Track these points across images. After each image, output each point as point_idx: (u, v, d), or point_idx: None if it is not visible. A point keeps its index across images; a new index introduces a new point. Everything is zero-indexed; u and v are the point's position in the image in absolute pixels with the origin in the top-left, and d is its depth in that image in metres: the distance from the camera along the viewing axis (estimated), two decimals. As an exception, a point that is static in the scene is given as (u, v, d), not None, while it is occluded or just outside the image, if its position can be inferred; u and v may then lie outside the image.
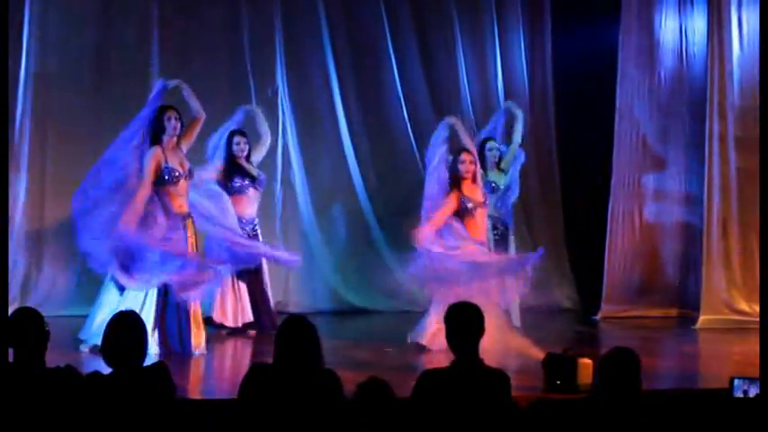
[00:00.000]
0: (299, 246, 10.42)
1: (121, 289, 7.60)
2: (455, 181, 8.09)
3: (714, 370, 7.69)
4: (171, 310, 7.60)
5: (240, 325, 8.76)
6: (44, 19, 9.78)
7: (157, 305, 7.58)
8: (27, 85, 9.71)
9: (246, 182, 8.82)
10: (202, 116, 7.97)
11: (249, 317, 8.80)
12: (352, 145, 10.65)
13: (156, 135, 7.68)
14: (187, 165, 7.77)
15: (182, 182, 7.68)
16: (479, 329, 4.70)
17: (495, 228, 9.05)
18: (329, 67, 10.60)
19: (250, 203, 8.88)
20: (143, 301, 7.55)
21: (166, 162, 7.63)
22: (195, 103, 7.96)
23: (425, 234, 7.92)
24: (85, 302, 9.57)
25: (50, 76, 9.80)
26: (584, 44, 10.66)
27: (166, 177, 7.61)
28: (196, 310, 7.76)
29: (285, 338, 4.51)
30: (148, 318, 7.41)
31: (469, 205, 8.05)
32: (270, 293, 9.06)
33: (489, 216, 8.64)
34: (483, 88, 10.99)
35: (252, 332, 8.86)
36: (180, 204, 7.71)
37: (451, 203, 8.03)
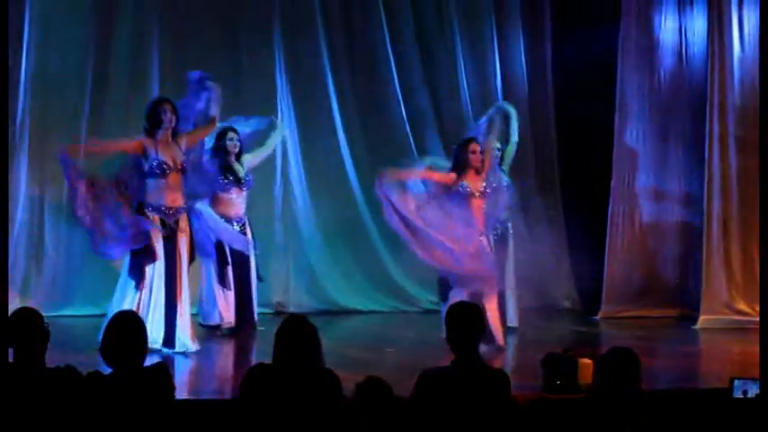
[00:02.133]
0: (298, 246, 10.45)
1: (137, 284, 7.62)
2: (460, 167, 8.12)
3: (714, 370, 7.68)
4: (172, 307, 7.64)
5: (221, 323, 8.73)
6: (44, 20, 9.77)
7: (166, 303, 7.60)
8: (27, 85, 9.71)
9: (230, 180, 8.79)
10: (216, 121, 8.02)
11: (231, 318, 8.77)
12: (350, 148, 10.65)
13: (151, 127, 7.69)
14: (181, 159, 7.74)
15: (172, 175, 7.67)
16: (479, 329, 4.70)
17: (494, 228, 9.05)
18: (328, 70, 10.58)
19: (233, 204, 8.82)
20: (149, 299, 7.57)
21: (157, 154, 7.63)
22: (217, 107, 7.99)
23: (388, 179, 8.02)
24: (85, 302, 9.61)
25: (50, 77, 9.80)
26: (584, 44, 10.65)
27: (157, 171, 7.61)
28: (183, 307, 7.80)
29: (285, 338, 4.51)
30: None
31: (466, 191, 8.08)
32: (254, 294, 8.98)
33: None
34: (483, 89, 10.97)
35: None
36: (173, 198, 7.70)
37: (445, 177, 8.10)
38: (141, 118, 9.58)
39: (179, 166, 7.71)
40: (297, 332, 4.52)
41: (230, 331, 8.72)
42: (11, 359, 4.56)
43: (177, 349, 7.68)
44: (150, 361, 4.64)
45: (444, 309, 8.05)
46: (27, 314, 4.58)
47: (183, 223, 7.78)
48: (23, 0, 9.63)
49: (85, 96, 9.87)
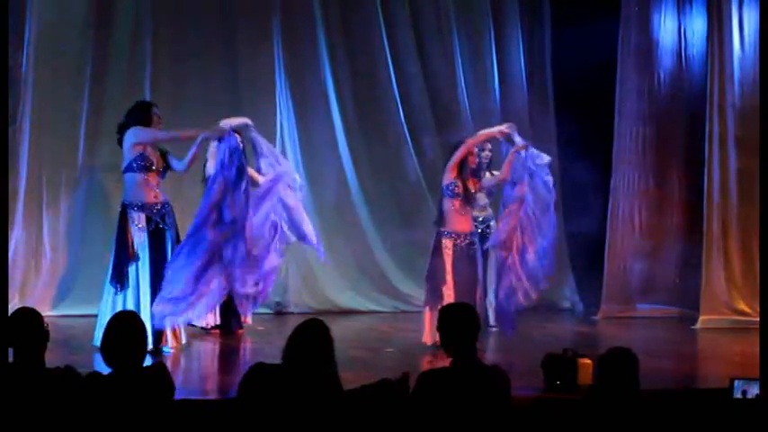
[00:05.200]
0: (297, 245, 10.42)
1: (119, 288, 7.60)
2: (459, 171, 8.15)
3: (714, 370, 7.69)
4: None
5: (209, 326, 8.72)
6: (44, 20, 9.77)
7: (151, 303, 7.57)
8: (27, 85, 9.70)
9: None
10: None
11: (217, 319, 8.73)
12: (348, 147, 10.64)
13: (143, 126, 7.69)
14: (162, 163, 7.72)
15: (152, 174, 7.64)
16: (476, 328, 4.69)
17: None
18: (326, 70, 10.58)
19: None
20: (137, 301, 7.56)
21: (144, 150, 7.62)
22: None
23: None
24: (85, 303, 9.60)
25: (50, 77, 9.80)
26: (583, 44, 10.65)
27: (141, 162, 7.60)
28: None
29: (301, 340, 4.50)
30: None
31: (457, 189, 8.11)
32: None
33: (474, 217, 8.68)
34: (481, 91, 10.97)
35: (241, 331, 8.87)
36: (155, 194, 7.68)
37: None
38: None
39: (160, 168, 7.70)
40: (315, 336, 4.51)
41: (206, 331, 8.70)
42: (11, 359, 4.56)
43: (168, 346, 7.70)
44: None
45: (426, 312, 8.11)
46: (27, 314, 4.58)
47: (171, 218, 7.77)
48: (24, 0, 9.63)
49: (83, 97, 9.86)
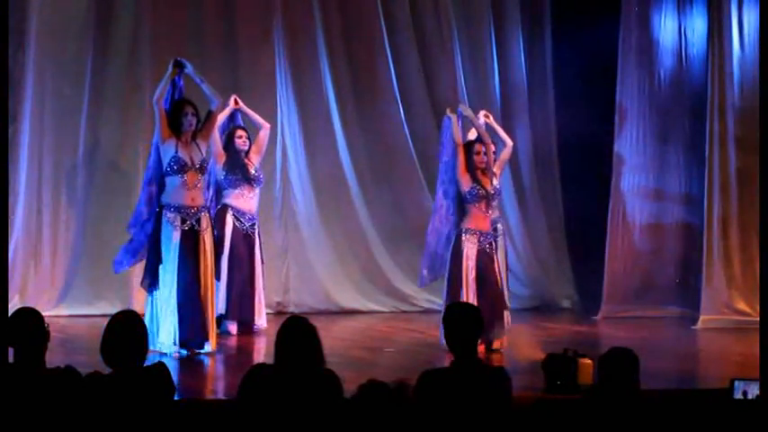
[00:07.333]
0: (298, 245, 10.44)
1: (150, 289, 7.65)
2: (470, 171, 8.12)
3: (714, 370, 7.68)
4: (191, 306, 7.65)
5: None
6: (45, 20, 9.75)
7: (177, 302, 7.60)
8: (27, 85, 9.69)
9: (239, 177, 8.81)
10: (218, 107, 7.99)
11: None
12: (348, 147, 10.63)
13: (173, 127, 7.71)
14: (200, 158, 7.76)
15: (190, 174, 7.68)
16: (478, 329, 4.70)
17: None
18: (327, 71, 10.57)
19: (244, 199, 8.86)
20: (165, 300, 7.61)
21: (176, 151, 7.64)
22: (209, 90, 7.95)
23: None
24: (85, 303, 9.62)
25: (49, 77, 9.79)
26: (584, 44, 10.64)
27: (174, 167, 7.62)
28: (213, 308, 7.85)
29: (285, 339, 4.52)
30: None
31: (480, 192, 8.06)
32: (259, 293, 8.98)
33: None
34: (482, 91, 10.96)
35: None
36: (192, 197, 7.71)
37: (464, 173, 8.08)
38: (139, 118, 9.58)
39: (197, 165, 7.71)
40: (296, 333, 4.52)
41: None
42: (11, 359, 4.56)
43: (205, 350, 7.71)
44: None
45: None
46: (27, 314, 4.58)
47: (206, 222, 7.79)
48: (24, 0, 9.62)
49: (84, 96, 9.86)
